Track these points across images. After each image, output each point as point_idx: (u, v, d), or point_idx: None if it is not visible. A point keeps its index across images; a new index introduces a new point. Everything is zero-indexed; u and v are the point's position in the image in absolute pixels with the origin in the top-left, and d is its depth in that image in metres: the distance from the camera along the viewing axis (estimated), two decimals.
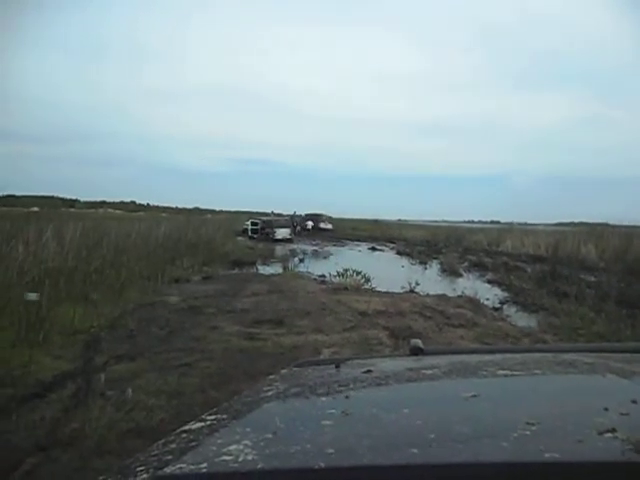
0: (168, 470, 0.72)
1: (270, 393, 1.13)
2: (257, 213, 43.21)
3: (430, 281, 15.48)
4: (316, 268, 17.24)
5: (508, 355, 1.42)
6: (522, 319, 10.53)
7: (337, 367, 1.28)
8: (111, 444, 3.71)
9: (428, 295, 11.71)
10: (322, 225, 46.23)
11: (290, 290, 11.44)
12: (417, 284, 12.96)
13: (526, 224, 43.89)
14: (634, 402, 0.81)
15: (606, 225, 28.87)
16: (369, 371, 1.16)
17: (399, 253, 28.12)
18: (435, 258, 23.95)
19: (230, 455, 0.72)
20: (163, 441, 0.92)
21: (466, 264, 21.63)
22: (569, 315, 10.19)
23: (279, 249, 25.27)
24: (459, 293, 12.22)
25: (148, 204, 77.16)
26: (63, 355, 6.00)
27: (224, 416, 1.00)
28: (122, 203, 71.83)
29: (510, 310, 11.66)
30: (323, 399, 1.03)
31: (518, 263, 20.65)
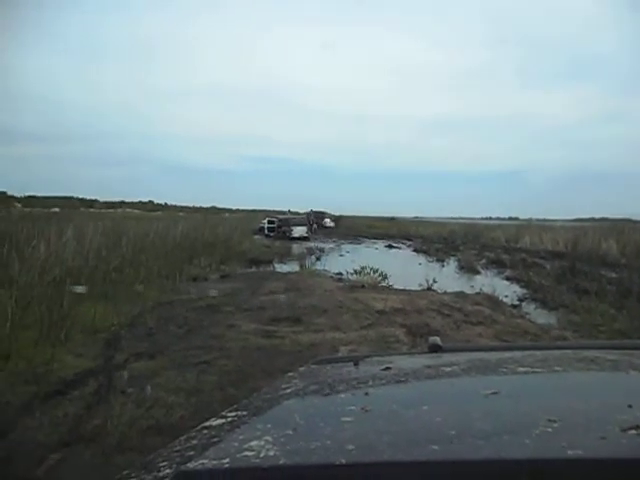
0: (191, 465, 0.73)
1: (289, 390, 1.13)
2: (274, 211, 43.27)
3: (448, 278, 15.39)
4: (333, 266, 17.24)
5: (528, 352, 1.41)
6: (541, 316, 10.42)
7: (356, 364, 1.28)
8: (132, 441, 3.76)
9: (446, 292, 11.64)
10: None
11: (307, 288, 11.46)
12: (434, 281, 12.89)
13: (545, 220, 43.44)
14: None
15: (628, 221, 28.37)
16: (388, 368, 1.16)
17: (416, 250, 28.01)
18: (452, 255, 23.81)
19: (252, 451, 0.72)
20: (185, 437, 0.94)
21: (484, 261, 21.47)
22: (589, 312, 10.05)
23: (296, 247, 25.30)
24: (477, 290, 12.12)
25: (166, 203, 77.76)
26: (84, 353, 6.09)
27: (244, 413, 1.01)
28: (140, 203, 72.50)
29: (529, 307, 11.54)
30: (342, 396, 1.03)
31: (537, 260, 20.44)
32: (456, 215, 76.59)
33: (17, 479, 3.31)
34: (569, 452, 0.64)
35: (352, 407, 0.89)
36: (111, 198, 68.64)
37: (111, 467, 3.29)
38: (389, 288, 12.15)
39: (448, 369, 1.17)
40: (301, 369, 1.43)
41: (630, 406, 0.77)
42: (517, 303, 11.76)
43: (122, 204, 66.22)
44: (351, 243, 32.84)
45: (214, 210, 64.87)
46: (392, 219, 63.99)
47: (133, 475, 0.80)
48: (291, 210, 45.17)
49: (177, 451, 0.86)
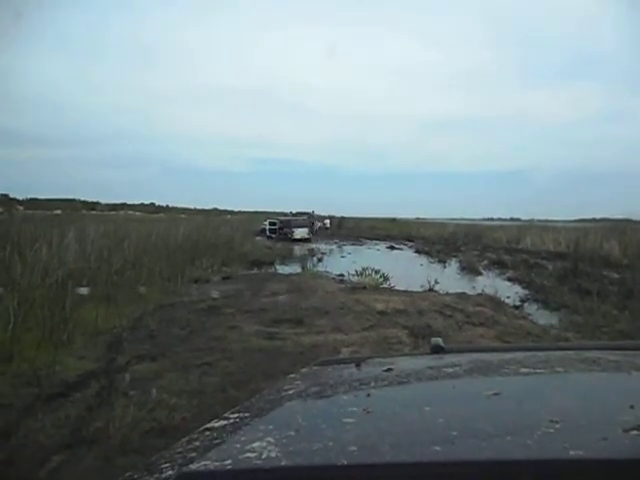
0: (193, 467, 0.73)
1: (291, 392, 1.13)
2: (276, 213, 43.26)
3: (449, 279, 15.37)
4: (334, 267, 17.23)
5: (530, 353, 1.41)
6: (543, 317, 10.39)
7: (357, 366, 1.28)
8: (134, 443, 3.77)
9: (447, 294, 11.62)
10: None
11: (309, 289, 11.45)
12: (436, 282, 12.87)
13: (546, 221, 43.40)
14: None
15: (629, 221, 28.32)
16: (390, 369, 1.16)
17: (417, 251, 27.98)
18: (454, 256, 23.78)
19: (254, 452, 0.73)
20: (187, 439, 0.94)
21: (486, 262, 21.43)
22: (591, 313, 10.02)
23: (297, 249, 25.29)
24: (479, 291, 12.10)
25: (167, 205, 77.90)
26: (86, 355, 6.09)
27: (246, 414, 1.02)
28: (142, 205, 72.65)
29: (531, 308, 11.51)
30: (344, 397, 1.03)
31: (538, 260, 20.40)
32: (457, 216, 76.53)
33: None
34: (571, 453, 0.64)
35: (354, 408, 0.89)
36: (113, 200, 68.82)
37: (113, 469, 3.30)
38: (391, 289, 12.13)
39: (450, 370, 1.17)
40: (303, 371, 1.43)
41: (632, 407, 0.77)
42: (519, 304, 11.73)
43: (124, 206, 66.35)
44: (353, 244, 32.83)
45: (216, 212, 64.93)
46: (394, 220, 63.99)
47: (136, 477, 0.80)
48: (293, 212, 45.15)
49: (179, 453, 0.86)
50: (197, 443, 0.89)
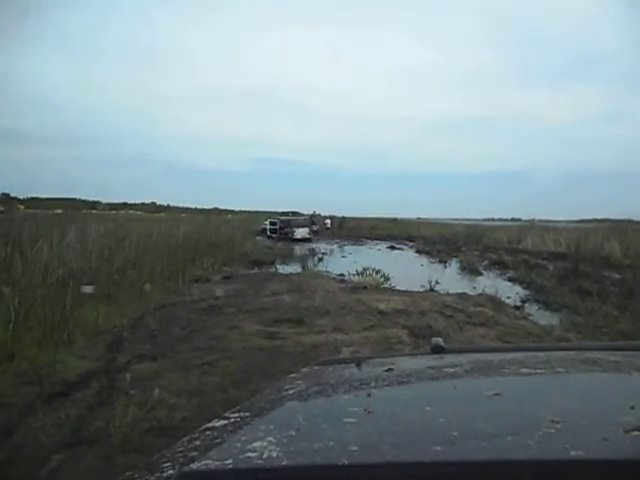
0: (194, 466, 0.73)
1: (292, 391, 1.13)
2: (276, 213, 43.27)
3: (450, 279, 15.37)
4: (335, 267, 17.24)
5: (530, 353, 1.41)
6: (544, 317, 10.40)
7: (358, 366, 1.28)
8: (134, 442, 3.77)
9: (448, 294, 11.63)
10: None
11: (309, 289, 11.46)
12: (437, 283, 12.89)
13: (547, 221, 43.37)
14: None
15: (630, 222, 28.28)
16: (390, 369, 1.16)
17: (418, 252, 27.99)
18: (455, 256, 23.78)
19: (254, 452, 0.73)
20: (188, 438, 0.94)
21: (486, 262, 21.42)
22: (592, 313, 10.02)
23: (298, 248, 25.30)
24: (479, 291, 12.11)
25: (168, 205, 77.98)
26: (87, 354, 6.10)
27: (247, 414, 1.02)
28: (143, 204, 72.70)
29: (532, 308, 11.52)
30: (345, 397, 1.03)
31: (539, 261, 20.40)
32: (458, 216, 76.42)
33: None
34: (572, 453, 0.64)
35: (355, 408, 0.89)
36: (114, 200, 68.89)
37: (114, 468, 3.30)
38: (391, 289, 12.14)
39: (451, 370, 1.17)
40: (304, 370, 1.43)
41: (633, 407, 0.77)
42: (520, 304, 11.72)
43: (125, 206, 66.42)
44: (353, 244, 32.84)
45: (216, 211, 64.92)
46: (394, 220, 63.97)
47: (137, 476, 0.80)
48: (293, 212, 45.15)
49: (180, 452, 0.86)
50: (198, 442, 0.89)
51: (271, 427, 0.85)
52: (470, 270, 18.80)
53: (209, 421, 1.02)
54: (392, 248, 30.82)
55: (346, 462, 0.66)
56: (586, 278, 14.60)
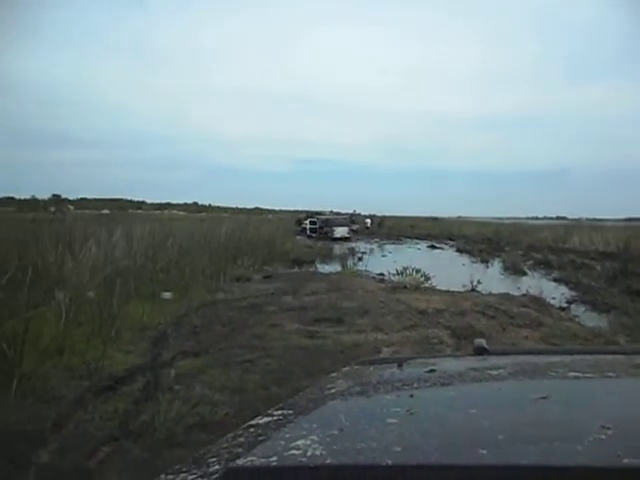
0: (240, 462, 0.75)
1: (334, 390, 1.14)
2: (316, 212, 43.49)
3: (492, 279, 15.06)
4: (375, 266, 17.15)
5: (578, 356, 1.37)
6: (591, 319, 10.06)
7: (400, 366, 1.28)
8: (179, 436, 3.86)
9: (490, 294, 11.40)
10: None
11: (349, 288, 11.44)
12: (479, 282, 12.65)
13: (594, 220, 41.94)
14: None
15: None
16: (433, 370, 1.15)
17: (459, 251, 27.58)
18: (497, 256, 23.31)
19: (298, 449, 0.74)
20: (232, 434, 0.96)
21: (530, 262, 20.90)
22: None
23: (337, 248, 25.31)
24: (523, 292, 11.81)
25: (210, 205, 79.42)
26: (133, 350, 6.28)
27: (290, 412, 1.03)
28: (185, 204, 74.30)
29: (578, 310, 11.17)
30: (387, 397, 1.03)
31: (586, 260, 19.76)
32: (501, 215, 74.82)
33: (70, 470, 3.44)
34: (624, 461, 0.62)
35: (397, 409, 0.89)
36: (158, 200, 70.64)
37: (159, 461, 3.39)
38: (432, 289, 11.99)
39: (495, 372, 1.15)
40: (345, 370, 1.44)
41: None
42: (566, 305, 11.40)
43: (168, 206, 68.00)
44: (393, 243, 32.63)
45: (257, 211, 65.73)
46: (435, 219, 63.26)
47: (184, 470, 0.83)
48: (332, 211, 45.18)
49: (225, 448, 0.88)
50: (242, 439, 0.91)
51: (314, 426, 0.85)
52: (513, 270, 18.37)
53: (252, 418, 1.03)
54: (432, 247, 30.50)
55: (390, 463, 0.66)
56: (636, 278, 14.06)
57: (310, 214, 41.46)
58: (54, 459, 3.53)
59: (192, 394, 4.67)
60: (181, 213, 54.75)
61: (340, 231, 34.10)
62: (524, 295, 11.26)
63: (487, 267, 20.35)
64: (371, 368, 1.40)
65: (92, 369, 5.15)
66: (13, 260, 6.35)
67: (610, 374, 1.13)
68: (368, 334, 7.18)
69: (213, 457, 0.85)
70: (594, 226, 32.20)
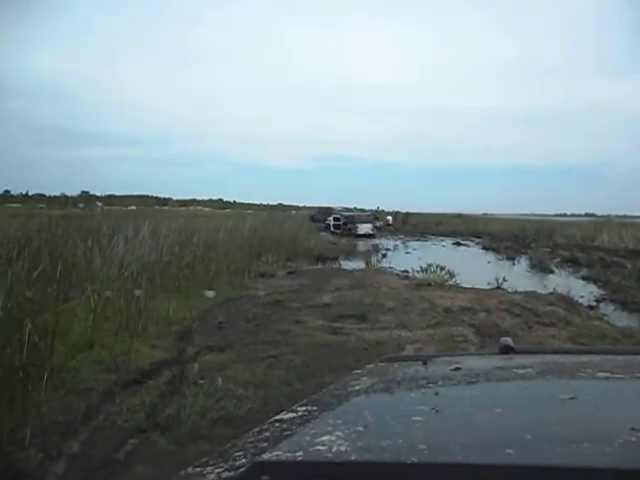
0: (265, 456, 0.76)
1: (358, 387, 1.14)
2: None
3: (518, 277, 14.84)
4: (399, 263, 17.07)
5: (607, 357, 1.35)
6: (621, 318, 9.84)
7: (424, 364, 1.27)
8: (204, 430, 3.91)
9: (516, 292, 11.23)
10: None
11: (372, 285, 11.41)
12: (504, 280, 12.48)
13: (625, 216, 40.92)
14: None
15: None
16: (458, 369, 1.14)
17: (485, 248, 27.24)
18: (523, 253, 22.95)
19: (324, 445, 0.74)
20: (258, 429, 0.97)
21: (558, 260, 20.54)
22: None
23: (361, 244, 25.25)
24: (550, 290, 11.60)
25: (234, 201, 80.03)
26: (159, 345, 6.37)
27: (314, 408, 1.04)
28: (210, 201, 74.97)
29: (607, 309, 10.93)
30: (412, 395, 1.03)
31: (616, 258, 19.33)
32: (527, 212, 73.65)
33: (99, 460, 3.52)
34: None
35: (422, 407, 0.89)
36: (183, 196, 71.45)
37: (185, 454, 3.44)
38: (456, 286, 11.88)
39: (521, 371, 1.14)
40: (369, 367, 1.44)
41: None
42: (594, 304, 11.17)
43: (194, 202, 68.71)
44: (417, 240, 32.42)
45: (281, 207, 65.97)
46: (460, 216, 62.61)
47: (211, 463, 0.84)
48: (357, 207, 45.11)
49: (251, 442, 0.89)
50: (267, 434, 0.92)
51: (339, 422, 0.86)
52: (540, 268, 18.07)
53: (277, 413, 1.04)
54: (457, 244, 30.22)
55: (415, 460, 0.66)
56: None
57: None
58: (84, 450, 3.61)
59: (217, 388, 4.73)
60: (206, 209, 55.21)
61: (364, 228, 33.99)
62: (551, 293, 11.06)
63: (513, 264, 20.05)
64: (395, 365, 1.40)
65: (120, 363, 5.25)
66: (44, 255, 6.49)
67: None
68: (392, 331, 7.15)
69: (239, 451, 0.86)
70: (624, 223, 31.38)
